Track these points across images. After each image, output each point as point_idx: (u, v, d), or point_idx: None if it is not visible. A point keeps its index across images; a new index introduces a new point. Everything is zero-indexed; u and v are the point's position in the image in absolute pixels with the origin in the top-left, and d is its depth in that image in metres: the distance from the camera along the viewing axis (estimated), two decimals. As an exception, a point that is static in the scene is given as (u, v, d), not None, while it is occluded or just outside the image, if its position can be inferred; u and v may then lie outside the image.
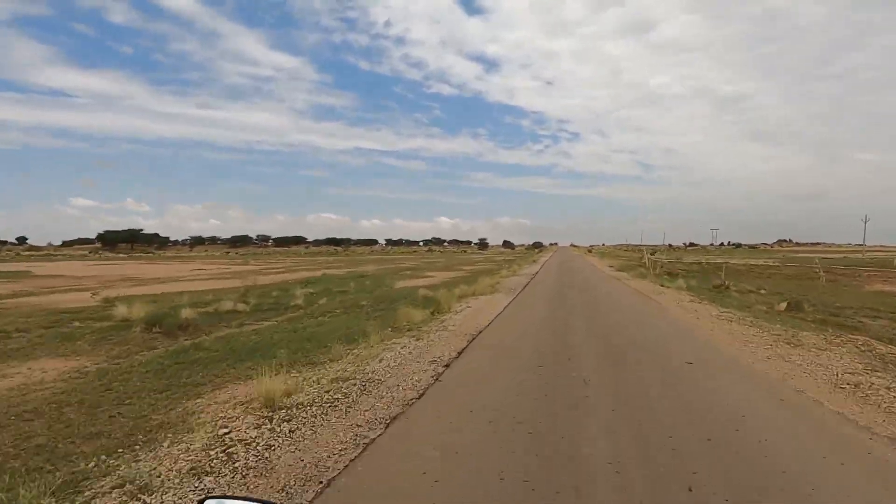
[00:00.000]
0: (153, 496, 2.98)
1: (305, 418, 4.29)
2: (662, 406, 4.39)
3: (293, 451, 3.59)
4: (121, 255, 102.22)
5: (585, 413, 4.22)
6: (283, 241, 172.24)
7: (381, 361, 6.38)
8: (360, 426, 4.10)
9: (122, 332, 11.82)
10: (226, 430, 4.07)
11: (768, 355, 6.59)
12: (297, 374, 6.11)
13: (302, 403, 4.71)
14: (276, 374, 5.46)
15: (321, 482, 3.08)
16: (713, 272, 32.28)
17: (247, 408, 4.81)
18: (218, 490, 3.09)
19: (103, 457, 3.69)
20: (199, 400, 5.55)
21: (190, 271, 43.95)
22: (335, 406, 4.62)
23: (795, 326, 9.08)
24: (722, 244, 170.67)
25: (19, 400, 5.54)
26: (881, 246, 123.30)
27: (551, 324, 9.46)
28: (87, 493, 3.07)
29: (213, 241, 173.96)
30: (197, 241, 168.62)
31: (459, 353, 6.88)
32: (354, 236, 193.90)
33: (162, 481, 3.16)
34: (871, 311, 14.06)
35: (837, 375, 5.53)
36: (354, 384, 5.30)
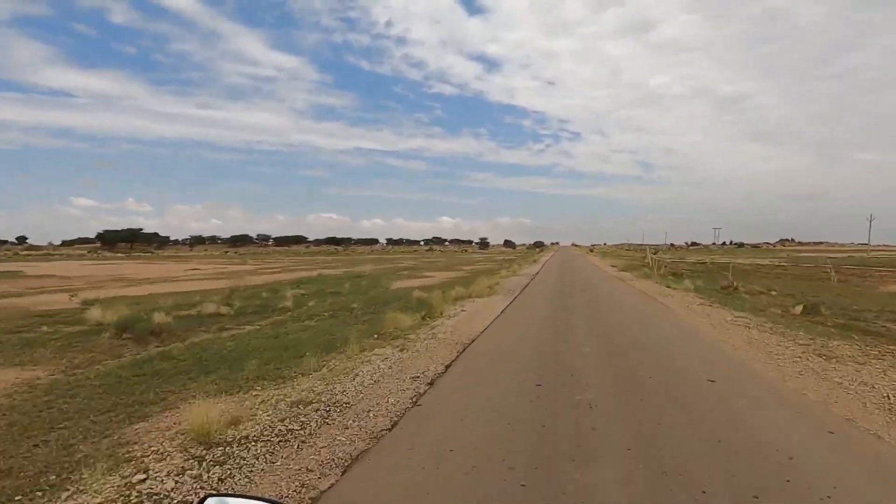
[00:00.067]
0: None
1: (245, 459, 3.45)
2: (691, 447, 3.53)
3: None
4: (119, 254, 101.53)
5: (592, 456, 3.37)
6: (283, 241, 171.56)
7: (355, 378, 5.54)
8: (311, 471, 3.26)
9: (91, 337, 11.04)
10: (143, 477, 3.24)
11: (799, 370, 5.74)
12: (259, 393, 5.29)
13: (248, 437, 3.87)
14: (223, 397, 4.65)
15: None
16: (719, 272, 31.39)
17: (184, 440, 3.98)
18: None
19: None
20: (141, 425, 4.74)
21: (185, 271, 43.16)
22: (287, 441, 3.78)
23: (821, 334, 8.23)
24: (724, 243, 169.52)
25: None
26: (884, 245, 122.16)
27: (551, 333, 8.63)
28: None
29: (214, 240, 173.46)
30: (197, 241, 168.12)
31: (447, 368, 6.05)
32: (355, 236, 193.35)
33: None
34: (892, 315, 13.18)
35: (889, 398, 4.68)
36: (318, 409, 4.46)
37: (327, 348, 8.04)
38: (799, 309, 13.31)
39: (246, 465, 3.36)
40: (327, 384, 5.32)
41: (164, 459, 3.54)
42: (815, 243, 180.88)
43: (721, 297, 14.69)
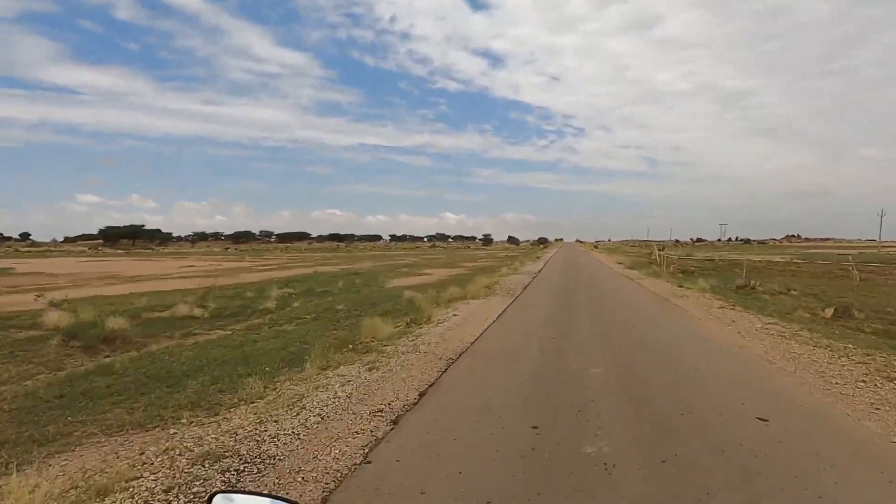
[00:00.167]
0: None
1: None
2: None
3: None
4: (119, 251, 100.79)
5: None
6: (286, 237, 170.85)
7: (299, 412, 4.31)
8: None
9: (39, 345, 9.91)
10: None
11: (872, 402, 4.46)
12: (176, 432, 4.08)
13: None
14: (131, 435, 3.45)
15: None
16: (730, 270, 29.98)
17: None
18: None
19: None
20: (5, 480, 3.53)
21: (179, 268, 42.11)
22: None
23: (871, 345, 6.95)
24: (730, 240, 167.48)
25: None
26: (893, 241, 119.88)
27: (553, 347, 7.38)
28: None
29: (217, 237, 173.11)
30: (200, 237, 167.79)
31: (421, 396, 4.80)
32: (360, 232, 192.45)
33: None
34: (934, 319, 11.84)
35: None
36: (227, 467, 3.23)
37: (289, 363, 6.85)
38: (829, 312, 12.00)
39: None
40: (260, 422, 4.09)
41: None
42: (822, 239, 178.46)
43: (740, 299, 13.38)
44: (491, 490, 2.85)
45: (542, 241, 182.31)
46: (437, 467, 3.21)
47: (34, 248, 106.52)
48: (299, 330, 10.90)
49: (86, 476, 3.32)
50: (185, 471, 3.20)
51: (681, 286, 16.50)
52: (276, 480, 3.05)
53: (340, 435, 3.80)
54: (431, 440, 3.69)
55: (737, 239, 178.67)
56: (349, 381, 5.26)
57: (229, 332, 11.34)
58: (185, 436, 3.98)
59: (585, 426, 3.86)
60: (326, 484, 3.01)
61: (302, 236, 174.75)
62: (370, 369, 5.77)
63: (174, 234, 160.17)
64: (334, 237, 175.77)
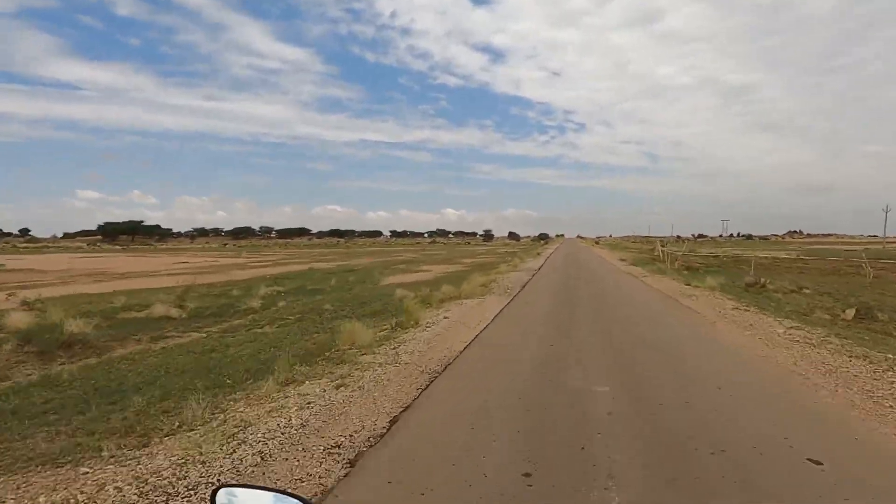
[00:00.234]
0: None
1: None
2: None
3: None
4: (117, 247, 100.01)
5: None
6: (286, 233, 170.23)
7: (238, 448, 3.49)
8: None
9: (-9, 350, 9.10)
10: None
11: (942, 434, 3.63)
12: (89, 473, 3.27)
13: None
14: (24, 475, 2.65)
15: None
16: (736, 266, 29.11)
17: None
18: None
19: None
20: None
21: (172, 265, 41.27)
22: None
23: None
24: (731, 235, 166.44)
25: None
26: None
27: (552, 349, 6.56)
28: None
29: (217, 232, 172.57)
30: (200, 233, 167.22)
31: (392, 423, 3.97)
32: (361, 228, 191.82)
33: None
34: (964, 321, 10.99)
35: None
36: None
37: (255, 374, 6.03)
38: (850, 313, 11.14)
39: None
40: (185, 463, 3.26)
41: None
42: (824, 235, 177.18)
43: (753, 298, 12.53)
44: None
45: (543, 237, 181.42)
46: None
47: (32, 245, 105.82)
48: (279, 333, 10.09)
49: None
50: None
51: (688, 284, 15.65)
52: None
53: (279, 483, 2.97)
54: (394, 494, 2.86)
55: (738, 235, 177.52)
56: (310, 403, 4.43)
57: (204, 335, 10.53)
58: (90, 481, 3.17)
59: (591, 472, 3.03)
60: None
61: (302, 232, 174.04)
62: (338, 386, 4.93)
63: (174, 230, 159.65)
64: (334, 233, 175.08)
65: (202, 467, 3.20)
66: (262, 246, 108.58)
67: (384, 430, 3.83)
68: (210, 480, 3.02)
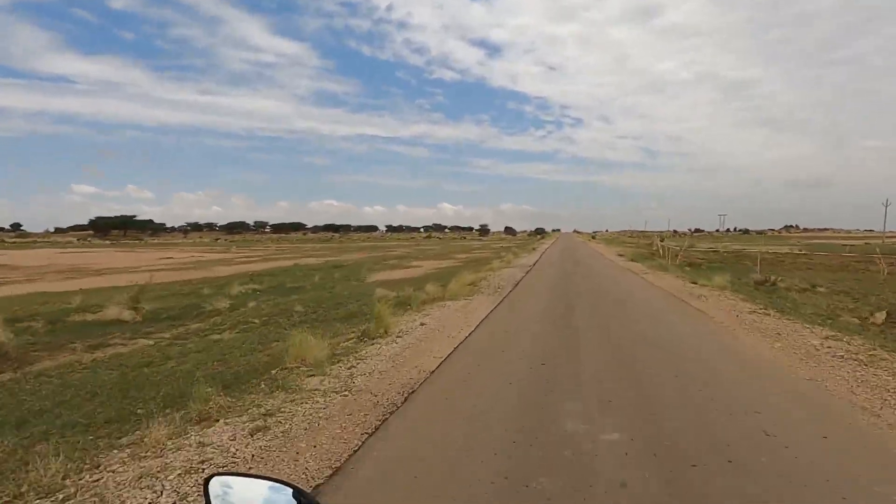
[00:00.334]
0: None
1: None
2: None
3: None
4: (106, 241, 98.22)
5: None
6: (280, 228, 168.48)
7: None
8: None
9: None
10: None
11: None
12: None
13: None
14: None
15: None
16: (739, 262, 27.95)
17: None
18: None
19: None
20: None
21: (156, 260, 39.83)
22: None
23: None
24: (728, 230, 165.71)
25: None
26: (894, 232, 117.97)
27: (544, 368, 5.33)
28: None
29: (211, 227, 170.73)
30: (194, 228, 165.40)
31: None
32: (358, 223, 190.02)
33: None
34: None
35: None
36: None
37: (177, 401, 4.81)
38: (881, 317, 9.98)
39: None
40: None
41: None
42: (821, 230, 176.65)
43: (768, 299, 11.34)
44: None
45: (539, 232, 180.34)
46: None
47: (21, 239, 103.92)
48: (235, 340, 8.85)
49: None
50: None
51: (694, 283, 14.45)
52: None
53: None
54: None
55: (735, 229, 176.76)
56: (205, 460, 3.19)
57: (151, 343, 9.27)
58: None
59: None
60: None
61: (297, 227, 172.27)
62: (256, 430, 3.69)
63: (168, 225, 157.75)
64: (330, 227, 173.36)
65: None
66: (255, 241, 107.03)
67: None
68: None
